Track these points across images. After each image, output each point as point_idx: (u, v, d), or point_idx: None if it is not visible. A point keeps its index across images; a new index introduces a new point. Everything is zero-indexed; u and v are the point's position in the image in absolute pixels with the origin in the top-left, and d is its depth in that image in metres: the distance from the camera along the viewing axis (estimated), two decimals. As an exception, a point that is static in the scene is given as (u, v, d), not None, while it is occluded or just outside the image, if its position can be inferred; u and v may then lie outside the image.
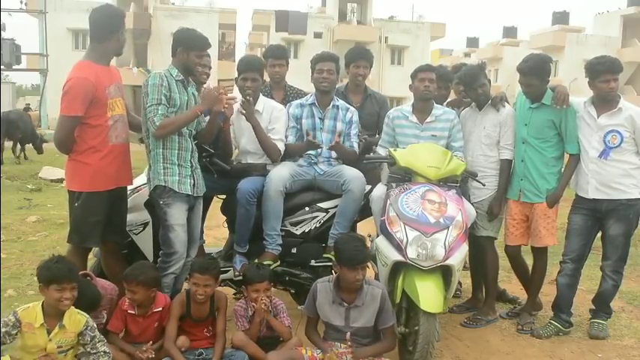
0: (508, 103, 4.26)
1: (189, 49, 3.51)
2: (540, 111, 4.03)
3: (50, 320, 2.84)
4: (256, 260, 3.80)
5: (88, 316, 2.95)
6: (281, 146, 3.99)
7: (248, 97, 3.83)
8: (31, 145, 15.76)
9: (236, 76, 4.06)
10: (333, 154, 4.06)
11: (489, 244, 4.26)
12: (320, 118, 4.07)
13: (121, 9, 3.59)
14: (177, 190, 3.47)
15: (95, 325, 2.98)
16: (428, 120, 4.00)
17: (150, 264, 3.51)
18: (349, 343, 3.11)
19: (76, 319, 2.89)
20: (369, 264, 3.68)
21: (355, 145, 4.10)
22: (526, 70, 3.99)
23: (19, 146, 15.73)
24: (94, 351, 2.94)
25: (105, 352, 2.97)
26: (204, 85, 4.14)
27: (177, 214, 3.47)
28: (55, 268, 2.83)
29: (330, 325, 3.27)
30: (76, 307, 2.92)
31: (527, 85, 4.01)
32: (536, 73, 3.97)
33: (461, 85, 4.52)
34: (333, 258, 3.38)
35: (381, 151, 4.02)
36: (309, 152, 4.05)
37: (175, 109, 3.46)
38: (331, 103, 4.08)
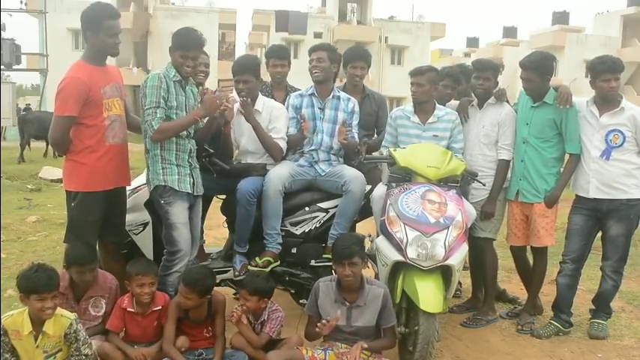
0: (508, 102, 4.26)
1: (174, 48, 3.51)
2: (542, 110, 4.02)
3: (37, 327, 2.81)
4: (256, 261, 3.81)
5: (74, 317, 2.89)
6: (283, 145, 3.99)
7: (245, 98, 3.83)
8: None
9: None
10: (334, 144, 4.06)
11: (488, 244, 4.26)
12: (320, 108, 4.07)
13: (108, 5, 3.48)
14: (177, 188, 3.48)
15: (81, 328, 2.92)
16: (430, 120, 3.98)
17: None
18: (346, 346, 3.11)
19: (59, 321, 2.84)
20: (369, 264, 3.68)
21: (356, 136, 4.11)
22: (527, 64, 3.98)
23: (40, 144, 16.08)
24: (77, 353, 2.89)
25: (87, 355, 2.91)
26: (203, 86, 4.13)
27: (179, 213, 3.47)
28: (35, 278, 2.76)
29: (330, 325, 3.26)
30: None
31: (527, 81, 4.00)
32: (536, 68, 3.96)
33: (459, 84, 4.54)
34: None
35: (385, 152, 4.01)
36: (310, 151, 4.05)
37: (173, 110, 3.46)
38: (331, 94, 4.09)
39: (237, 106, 3.88)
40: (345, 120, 4.06)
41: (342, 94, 4.15)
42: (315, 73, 4.05)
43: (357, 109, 4.15)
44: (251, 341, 3.23)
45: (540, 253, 4.20)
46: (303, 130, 3.97)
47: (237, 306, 3.30)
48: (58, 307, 2.87)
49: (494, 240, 4.30)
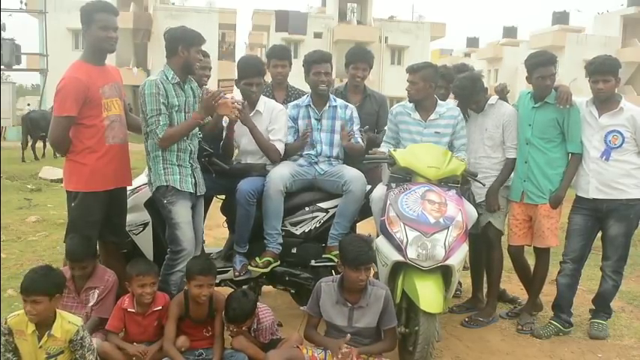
0: (507, 100, 4.25)
1: (189, 45, 3.48)
2: (544, 110, 4.02)
3: (41, 328, 2.82)
4: (256, 261, 3.80)
5: (80, 324, 2.91)
6: (280, 147, 3.98)
7: (243, 102, 3.80)
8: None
9: (236, 77, 4.05)
10: (334, 153, 4.06)
11: (496, 240, 4.23)
12: (316, 119, 4.07)
13: (105, 1, 3.45)
14: (179, 188, 3.48)
15: (87, 335, 2.94)
16: (432, 117, 3.96)
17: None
18: (346, 345, 3.11)
19: (66, 327, 2.85)
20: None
21: (360, 141, 4.09)
22: (544, 61, 3.96)
23: (39, 144, 16.07)
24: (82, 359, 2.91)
25: None
26: (205, 87, 4.13)
27: (182, 212, 3.48)
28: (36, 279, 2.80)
29: (332, 325, 3.26)
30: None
31: (542, 78, 3.95)
32: (551, 63, 3.97)
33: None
34: (338, 257, 3.37)
35: (385, 147, 4.01)
36: (309, 152, 4.05)
37: (174, 110, 3.46)
38: (327, 104, 4.07)
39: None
40: (343, 125, 4.03)
41: (339, 102, 4.12)
42: (322, 87, 4.02)
43: (355, 114, 4.12)
44: (256, 353, 3.24)
45: (543, 253, 4.19)
46: (306, 137, 3.96)
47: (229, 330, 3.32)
48: (65, 312, 2.91)
49: (502, 233, 4.26)
